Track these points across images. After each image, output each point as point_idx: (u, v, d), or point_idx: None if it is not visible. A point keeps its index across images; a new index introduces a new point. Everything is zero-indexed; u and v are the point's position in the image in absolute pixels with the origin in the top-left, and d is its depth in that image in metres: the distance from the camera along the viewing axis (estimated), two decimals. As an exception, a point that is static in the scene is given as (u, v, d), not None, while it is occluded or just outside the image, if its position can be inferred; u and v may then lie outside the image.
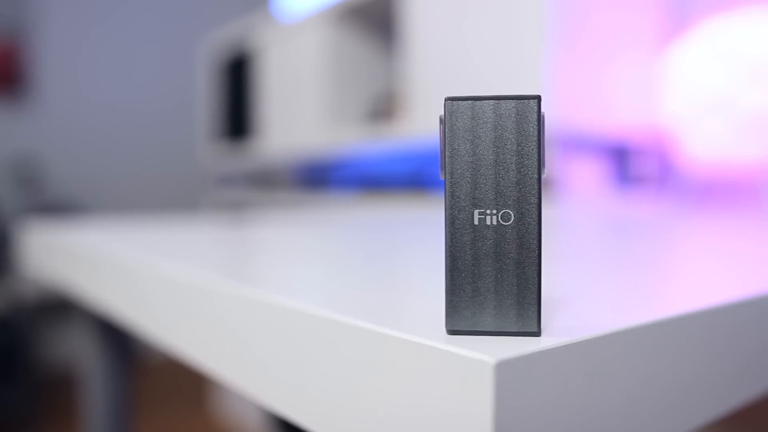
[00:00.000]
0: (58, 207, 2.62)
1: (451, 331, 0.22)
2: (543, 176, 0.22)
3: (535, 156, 0.22)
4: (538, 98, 0.21)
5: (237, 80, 2.18)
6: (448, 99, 0.22)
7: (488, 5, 1.18)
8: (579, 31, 1.12)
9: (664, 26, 1.35)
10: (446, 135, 0.22)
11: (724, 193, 1.27)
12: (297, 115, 1.78)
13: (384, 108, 1.64)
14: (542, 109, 0.21)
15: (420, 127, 1.34)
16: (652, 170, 1.35)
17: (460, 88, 1.25)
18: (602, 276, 0.36)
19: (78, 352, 2.66)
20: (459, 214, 0.22)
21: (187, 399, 2.25)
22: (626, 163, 1.28)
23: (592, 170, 1.18)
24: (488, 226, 0.22)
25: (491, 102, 0.22)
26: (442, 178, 0.22)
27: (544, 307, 0.27)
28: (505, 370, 0.19)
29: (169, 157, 2.91)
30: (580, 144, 1.15)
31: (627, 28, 1.24)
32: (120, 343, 0.83)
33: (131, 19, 2.82)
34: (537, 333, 0.22)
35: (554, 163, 1.08)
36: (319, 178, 1.75)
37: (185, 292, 0.38)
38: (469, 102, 0.22)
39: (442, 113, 0.23)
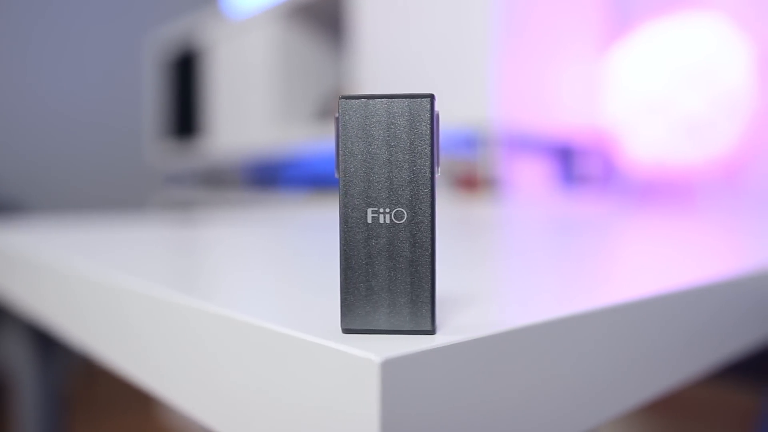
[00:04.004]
0: (-2, 207, 2.52)
1: (346, 330, 0.22)
2: (437, 175, 0.22)
3: (428, 155, 0.22)
4: (431, 97, 0.22)
5: (185, 77, 2.14)
6: (341, 98, 0.22)
7: (435, 6, 1.19)
8: (524, 32, 1.14)
9: (607, 28, 1.39)
10: (340, 133, 0.22)
11: (662, 193, 1.31)
12: (246, 114, 1.75)
13: (333, 107, 1.63)
14: (436, 108, 0.21)
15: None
16: (596, 170, 1.38)
17: (407, 87, 1.25)
18: (527, 273, 0.37)
19: (10, 359, 2.57)
20: (352, 212, 0.22)
21: (134, 403, 2.20)
22: (570, 163, 1.31)
23: (536, 170, 1.20)
24: (381, 224, 0.22)
25: (384, 101, 0.22)
26: (337, 176, 0.22)
27: (454, 305, 0.27)
28: (391, 368, 0.19)
29: (115, 155, 2.83)
30: (525, 144, 1.17)
31: (571, 30, 1.27)
32: (54, 350, 0.80)
33: (76, 13, 2.73)
34: (431, 331, 0.22)
35: (499, 163, 1.10)
36: (269, 177, 1.74)
37: (102, 293, 0.37)
38: (362, 101, 0.22)
39: (337, 112, 0.23)
